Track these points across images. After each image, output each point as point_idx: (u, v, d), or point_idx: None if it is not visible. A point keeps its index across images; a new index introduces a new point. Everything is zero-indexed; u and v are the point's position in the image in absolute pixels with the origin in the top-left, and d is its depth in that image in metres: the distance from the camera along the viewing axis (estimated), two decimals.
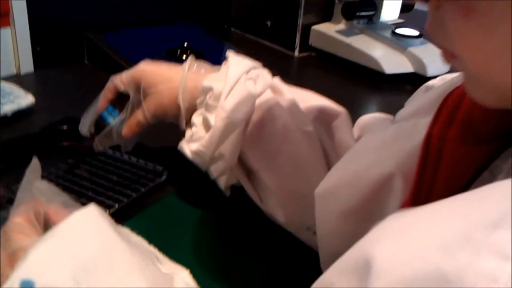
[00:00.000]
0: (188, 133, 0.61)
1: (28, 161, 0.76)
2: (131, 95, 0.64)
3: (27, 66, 1.01)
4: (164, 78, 0.61)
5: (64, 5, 1.04)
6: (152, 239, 0.46)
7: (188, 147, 0.59)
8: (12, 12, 0.95)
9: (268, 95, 0.59)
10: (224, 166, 0.57)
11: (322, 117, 0.61)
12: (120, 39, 1.07)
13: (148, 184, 0.69)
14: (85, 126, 0.67)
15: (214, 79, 0.58)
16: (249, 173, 0.60)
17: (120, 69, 0.99)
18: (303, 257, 0.58)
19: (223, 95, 0.56)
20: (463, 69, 0.30)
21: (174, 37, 1.13)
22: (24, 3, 0.96)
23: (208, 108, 0.57)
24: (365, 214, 0.46)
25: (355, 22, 1.24)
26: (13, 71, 1.00)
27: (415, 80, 1.08)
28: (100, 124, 0.65)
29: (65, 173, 0.70)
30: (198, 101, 0.59)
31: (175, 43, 1.09)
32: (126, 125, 0.64)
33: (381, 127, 0.58)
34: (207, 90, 0.58)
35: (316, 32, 1.25)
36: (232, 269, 0.58)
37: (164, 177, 0.71)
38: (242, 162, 0.59)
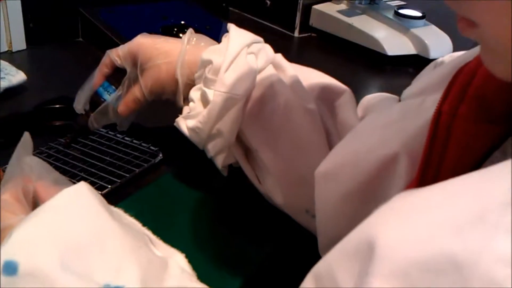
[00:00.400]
0: (185, 109, 0.59)
1: (19, 139, 0.74)
2: (128, 70, 0.61)
3: (19, 43, 0.98)
4: (162, 52, 0.59)
5: None
6: (146, 222, 0.44)
7: (184, 123, 0.56)
8: None
9: (269, 70, 0.56)
10: (222, 144, 0.55)
11: (325, 95, 0.59)
12: (115, 16, 1.04)
13: (142, 165, 0.67)
14: (80, 103, 0.64)
15: (213, 52, 0.56)
16: (247, 152, 0.58)
17: (114, 46, 0.97)
18: (302, 240, 0.56)
19: (223, 68, 0.53)
20: (482, 39, 0.27)
21: (170, 15, 1.10)
22: None
23: (207, 82, 0.55)
24: (368, 196, 0.44)
25: (356, 2, 1.21)
26: (5, 47, 0.97)
27: (417, 62, 1.06)
28: (95, 100, 0.63)
29: (56, 153, 0.68)
30: (196, 75, 0.57)
31: (172, 20, 1.07)
32: (122, 101, 0.62)
33: (387, 106, 0.56)
34: (206, 63, 0.55)
35: (317, 12, 1.22)
36: (229, 253, 0.56)
37: (159, 158, 0.69)
38: (240, 141, 0.56)
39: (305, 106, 0.55)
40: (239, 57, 0.54)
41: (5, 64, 0.85)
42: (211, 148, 0.56)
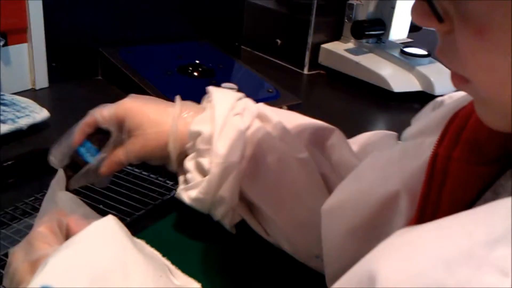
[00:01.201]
0: (181, 178, 0.61)
1: (43, 174, 0.77)
2: (113, 133, 0.60)
3: (43, 81, 1.03)
4: (151, 121, 0.58)
5: (79, 21, 1.07)
6: (162, 253, 0.47)
7: (186, 194, 0.58)
8: (30, 28, 0.97)
9: (256, 125, 0.59)
10: (226, 208, 0.57)
11: (315, 138, 0.60)
12: (133, 55, 1.10)
13: (158, 199, 0.70)
14: (57, 158, 0.61)
15: (201, 122, 0.58)
16: (251, 206, 0.60)
17: (132, 84, 1.02)
18: (311, 280, 0.58)
19: (214, 139, 0.56)
20: (475, 94, 0.30)
21: (185, 54, 1.15)
22: (42, 20, 0.98)
23: (200, 152, 0.57)
24: (371, 232, 0.46)
25: (364, 41, 1.25)
26: (28, 86, 1.02)
27: (423, 98, 1.09)
28: (76, 161, 0.60)
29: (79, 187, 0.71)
30: (188, 145, 0.59)
31: (187, 60, 1.12)
32: (105, 163, 0.60)
33: (387, 144, 0.59)
34: (196, 134, 0.57)
35: (326, 50, 1.27)
36: (242, 285, 0.59)
37: (174, 192, 0.72)
38: (242, 198, 0.59)
39: (297, 157, 0.57)
40: (227, 123, 0.57)
41: (29, 101, 0.90)
42: (217, 213, 0.58)
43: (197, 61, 1.11)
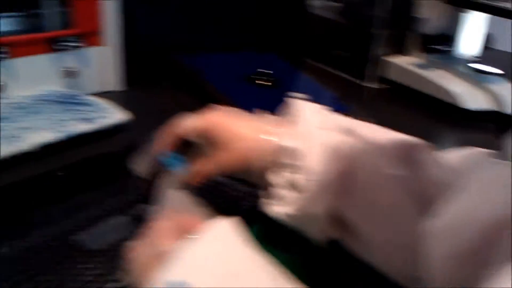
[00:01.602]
0: (264, 192, 0.60)
1: (124, 174, 0.79)
2: (198, 145, 0.60)
3: (117, 84, 1.05)
4: (237, 135, 0.59)
5: (154, 27, 1.09)
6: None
7: (274, 209, 0.58)
8: (107, 31, 1.00)
9: (345, 139, 0.58)
10: (319, 225, 0.57)
11: (405, 154, 0.58)
12: (203, 63, 1.11)
13: (245, 206, 0.70)
14: (140, 167, 0.62)
15: (289, 137, 0.58)
16: (343, 224, 0.58)
17: (202, 92, 1.04)
18: None
19: (306, 155, 0.55)
20: None
21: (253, 64, 1.16)
22: (118, 23, 1.01)
23: (288, 168, 0.57)
24: (476, 256, 0.44)
25: (430, 55, 1.24)
26: (103, 88, 1.05)
27: (495, 118, 1.07)
28: (159, 170, 0.60)
29: None
30: (275, 160, 0.58)
31: (254, 69, 1.13)
32: (192, 174, 0.59)
33: (485, 164, 0.57)
34: (285, 150, 0.57)
35: (390, 64, 1.26)
36: None
37: (259, 200, 0.72)
38: (334, 214, 0.58)
39: (391, 173, 0.55)
40: (317, 138, 0.56)
41: (109, 103, 0.92)
42: (308, 231, 0.57)
43: (264, 71, 1.12)
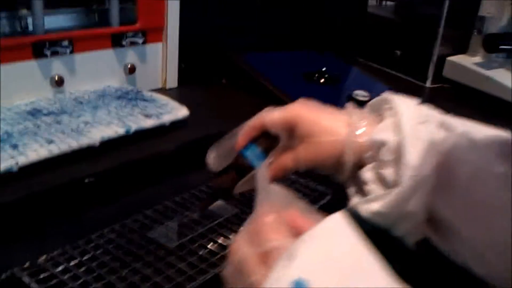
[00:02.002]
0: (351, 190, 0.57)
1: (189, 170, 0.77)
2: (282, 138, 0.57)
3: (173, 81, 1.04)
4: (325, 129, 0.56)
5: (210, 25, 1.07)
6: None
7: (365, 207, 0.53)
8: (167, 28, 0.98)
9: (441, 134, 0.53)
10: (411, 224, 0.52)
11: (506, 151, 0.55)
12: (259, 61, 1.09)
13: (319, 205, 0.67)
14: (216, 160, 0.60)
15: (384, 131, 0.54)
16: (436, 223, 0.55)
17: (260, 89, 1.01)
18: None
19: (404, 150, 0.51)
20: None
21: (309, 62, 1.13)
22: (178, 20, 0.99)
23: (384, 163, 0.53)
24: None
25: (494, 55, 1.18)
26: (159, 85, 1.03)
27: None
28: (241, 164, 0.57)
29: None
30: (366, 155, 0.55)
31: (311, 67, 1.10)
32: (271, 169, 0.57)
33: None
34: (379, 144, 0.53)
35: (452, 63, 1.21)
36: None
37: (327, 198, 0.69)
38: (429, 214, 0.53)
39: (493, 171, 0.51)
40: (416, 132, 0.52)
41: (168, 99, 0.90)
42: (400, 229, 0.53)
43: (323, 69, 1.09)
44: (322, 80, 1.05)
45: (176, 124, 0.86)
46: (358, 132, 0.55)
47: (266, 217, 0.38)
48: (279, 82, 1.01)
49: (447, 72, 1.22)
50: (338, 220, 0.36)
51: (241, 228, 0.41)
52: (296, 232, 0.38)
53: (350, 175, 0.57)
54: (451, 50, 1.23)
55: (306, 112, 0.57)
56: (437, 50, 1.20)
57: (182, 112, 0.86)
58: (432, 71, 1.22)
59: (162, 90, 1.02)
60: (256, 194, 0.42)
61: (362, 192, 0.58)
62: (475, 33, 1.21)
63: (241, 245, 0.39)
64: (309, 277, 0.32)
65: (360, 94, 0.98)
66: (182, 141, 0.82)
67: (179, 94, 1.04)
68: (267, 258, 0.36)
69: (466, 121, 0.59)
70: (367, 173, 0.55)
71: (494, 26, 1.17)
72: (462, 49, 1.23)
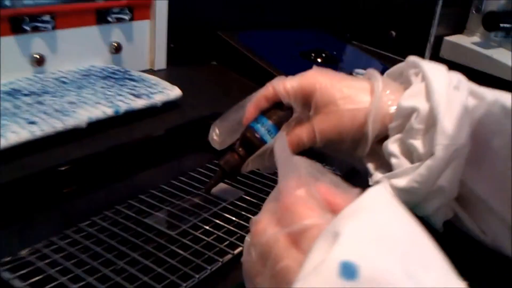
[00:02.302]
0: (371, 166, 0.52)
1: (183, 153, 0.71)
2: (296, 109, 0.51)
3: (161, 62, 0.97)
4: (346, 96, 0.50)
5: (200, 3, 1.01)
6: None
7: (390, 184, 0.48)
8: (155, 4, 0.92)
9: (472, 102, 0.49)
10: (442, 201, 0.48)
11: None
12: (253, 40, 1.03)
13: None
14: (221, 135, 0.55)
15: (414, 97, 0.49)
16: (465, 200, 0.50)
17: (256, 69, 0.95)
18: None
19: (440, 116, 0.46)
20: None
21: (304, 41, 1.08)
22: None
23: (413, 133, 0.48)
24: None
25: (492, 34, 1.15)
26: (147, 65, 0.97)
27: None
28: (250, 139, 0.52)
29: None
30: (392, 125, 0.49)
31: (307, 46, 1.05)
32: (289, 143, 0.51)
33: None
34: (409, 111, 0.48)
35: (450, 43, 1.17)
36: None
37: None
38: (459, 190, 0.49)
39: None
40: (449, 99, 0.47)
41: (157, 79, 0.84)
42: (428, 207, 0.48)
43: (319, 47, 1.04)
44: (319, 60, 1.00)
45: (168, 105, 0.80)
46: (384, 99, 0.50)
47: (296, 191, 0.33)
48: (276, 61, 0.96)
49: (444, 53, 1.18)
50: (382, 193, 0.31)
51: (265, 206, 0.35)
52: (332, 209, 0.33)
53: (366, 148, 0.52)
54: (449, 29, 1.19)
55: (324, 79, 0.51)
56: (434, 30, 1.16)
57: (174, 92, 0.80)
58: (429, 52, 1.18)
59: (150, 72, 0.96)
60: (278, 166, 0.36)
61: (384, 167, 0.53)
62: (473, 11, 1.17)
63: (266, 225, 0.33)
64: (359, 259, 0.27)
65: (360, 72, 0.93)
66: (175, 123, 0.77)
67: (168, 76, 0.97)
68: (300, 239, 0.31)
69: (492, 90, 0.54)
70: (392, 145, 0.50)
71: (493, 4, 1.14)
72: (460, 29, 1.19)
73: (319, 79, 0.51)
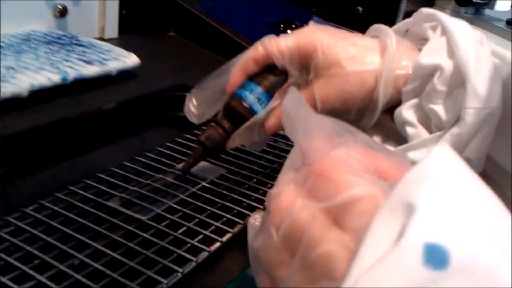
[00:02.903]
0: (376, 139, 0.45)
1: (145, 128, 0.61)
2: (291, 73, 0.43)
3: (112, 30, 0.86)
4: (352, 57, 0.42)
5: None
6: None
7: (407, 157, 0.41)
8: None
9: (495, 62, 0.42)
10: None
11: None
12: (215, 8, 0.93)
13: None
14: (199, 106, 0.45)
15: (433, 54, 0.41)
16: (487, 179, 0.44)
17: (218, 39, 0.86)
18: None
19: (470, 74, 0.39)
20: None
21: (269, 11, 0.99)
22: None
23: (434, 96, 0.40)
24: None
25: (462, 11, 1.11)
26: (96, 34, 0.85)
27: None
28: (236, 109, 0.43)
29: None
30: (407, 88, 0.42)
31: (274, 17, 0.96)
32: (273, 115, 0.43)
33: None
34: (429, 70, 0.41)
35: None
36: None
37: None
38: None
39: None
40: (478, 54, 0.40)
41: (111, 45, 0.73)
42: None
43: (288, 18, 0.96)
44: (289, 31, 0.92)
45: (124, 75, 0.69)
46: (397, 58, 0.42)
47: (331, 152, 0.24)
48: (242, 31, 0.87)
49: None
50: (451, 156, 0.23)
51: (283, 177, 0.26)
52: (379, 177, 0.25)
53: (375, 115, 0.44)
54: (416, 5, 1.14)
55: (325, 37, 0.42)
56: (403, 5, 1.11)
57: (131, 60, 0.70)
58: None
59: (100, 40, 0.84)
60: (293, 127, 0.28)
61: (392, 140, 0.45)
62: None
63: (293, 199, 0.24)
64: (448, 241, 0.19)
65: None
66: (133, 94, 0.66)
67: (120, 46, 0.86)
68: (344, 216, 0.22)
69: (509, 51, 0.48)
70: (407, 112, 0.42)
71: None
72: (429, 4, 1.15)
73: (319, 37, 0.43)
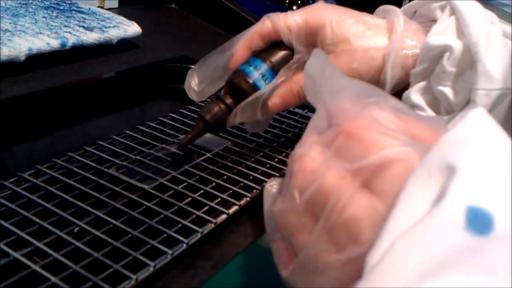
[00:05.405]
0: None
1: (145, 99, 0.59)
2: (297, 50, 0.42)
3: (112, 0, 0.83)
4: (361, 35, 0.41)
5: None
6: None
7: None
8: None
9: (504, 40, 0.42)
10: None
11: None
12: None
13: None
14: (201, 82, 0.44)
15: (442, 34, 0.39)
16: None
17: (221, 12, 0.84)
18: None
19: (481, 54, 0.37)
20: None
21: None
22: None
23: (443, 78, 0.39)
24: None
25: None
26: (95, 3, 0.82)
27: None
28: (238, 84, 0.42)
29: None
30: (416, 70, 0.40)
31: None
32: (279, 93, 0.42)
33: None
34: (439, 50, 0.39)
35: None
36: None
37: None
38: None
39: None
40: (489, 33, 0.38)
41: (111, 13, 0.71)
42: None
43: None
44: (295, 7, 0.90)
45: (125, 44, 0.67)
46: (405, 38, 0.40)
47: (362, 112, 0.23)
48: (249, 4, 0.84)
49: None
50: (489, 119, 0.21)
51: (307, 138, 0.25)
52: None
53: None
54: None
55: (334, 13, 0.41)
56: None
57: (133, 28, 0.67)
58: None
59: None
60: (318, 87, 0.26)
61: None
62: None
63: (320, 160, 0.23)
64: (493, 205, 0.17)
65: None
66: (134, 63, 0.64)
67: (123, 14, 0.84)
68: (374, 178, 0.21)
69: None
70: (415, 95, 0.40)
71: None
72: None
73: (328, 14, 0.42)
